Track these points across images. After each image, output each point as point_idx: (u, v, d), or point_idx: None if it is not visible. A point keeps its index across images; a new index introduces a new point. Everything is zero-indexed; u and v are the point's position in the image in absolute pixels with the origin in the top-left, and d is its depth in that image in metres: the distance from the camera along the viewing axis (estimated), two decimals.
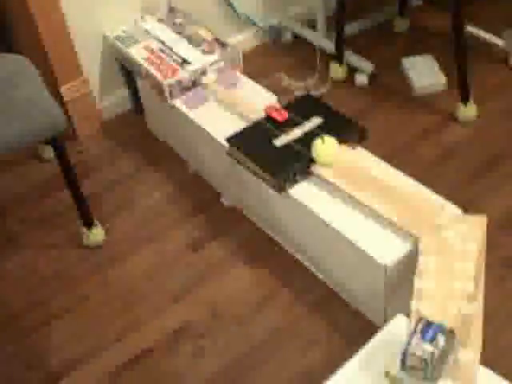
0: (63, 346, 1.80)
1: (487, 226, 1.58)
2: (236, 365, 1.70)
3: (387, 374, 1.31)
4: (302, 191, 1.74)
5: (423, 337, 1.24)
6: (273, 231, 1.97)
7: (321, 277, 1.85)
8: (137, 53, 2.21)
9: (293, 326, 1.77)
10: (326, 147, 1.72)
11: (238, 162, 1.85)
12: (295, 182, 1.75)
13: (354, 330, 1.72)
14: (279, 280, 1.88)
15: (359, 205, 1.67)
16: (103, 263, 2.01)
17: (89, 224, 2.03)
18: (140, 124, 2.45)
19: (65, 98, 2.31)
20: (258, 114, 1.92)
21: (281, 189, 1.73)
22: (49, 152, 2.31)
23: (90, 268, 2.00)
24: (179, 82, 2.07)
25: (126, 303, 1.89)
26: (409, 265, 1.54)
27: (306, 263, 1.88)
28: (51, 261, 2.02)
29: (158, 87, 2.09)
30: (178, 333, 1.79)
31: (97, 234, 2.04)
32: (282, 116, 1.88)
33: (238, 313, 1.82)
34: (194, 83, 2.10)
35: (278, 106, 1.94)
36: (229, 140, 1.86)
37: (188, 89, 2.10)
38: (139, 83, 2.32)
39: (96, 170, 2.31)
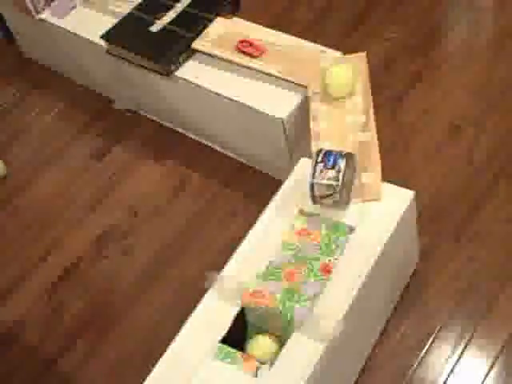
0: None
1: (372, 69, 1.64)
2: (165, 252, 1.74)
3: (301, 211, 1.38)
4: (189, 70, 1.74)
5: (325, 165, 1.30)
6: (172, 122, 1.98)
7: (227, 153, 1.89)
8: None
9: (210, 206, 1.82)
10: (339, 76, 1.54)
11: (120, 57, 1.82)
12: (180, 63, 1.74)
13: (268, 193, 1.76)
14: (188, 167, 1.90)
15: (246, 70, 1.69)
16: (10, 194, 1.96)
17: None
18: (14, 51, 2.34)
19: None
20: (130, 6, 1.88)
21: (167, 72, 1.73)
22: None
23: None
24: None
25: (42, 225, 1.87)
26: (304, 115, 1.60)
27: (210, 144, 1.91)
28: None
29: (20, 3, 2.00)
30: (101, 239, 1.80)
31: None
32: (257, 50, 1.69)
33: (156, 206, 1.85)
34: None
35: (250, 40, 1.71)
36: (104, 37, 1.82)
37: None
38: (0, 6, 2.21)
39: None
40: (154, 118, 2.02)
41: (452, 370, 1.41)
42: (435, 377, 1.40)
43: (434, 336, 1.45)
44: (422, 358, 1.43)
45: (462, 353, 1.43)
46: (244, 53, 1.68)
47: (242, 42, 1.70)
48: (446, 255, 1.57)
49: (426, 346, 1.44)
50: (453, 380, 1.40)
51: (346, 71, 1.55)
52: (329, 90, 1.54)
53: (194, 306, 1.31)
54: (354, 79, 1.55)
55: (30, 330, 1.66)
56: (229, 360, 1.20)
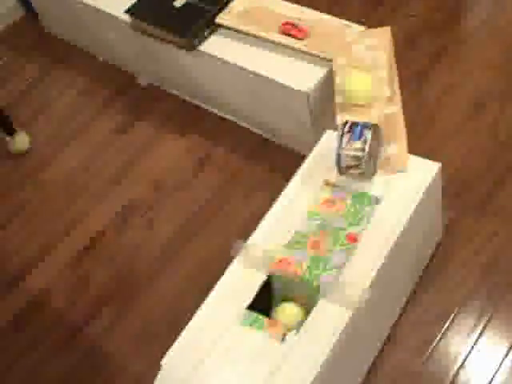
0: (16, 250, 1.81)
1: (397, 44, 1.64)
2: (187, 226, 1.76)
3: (327, 182, 1.39)
4: (213, 45, 1.75)
5: (351, 136, 1.31)
6: (194, 97, 1.99)
7: (250, 128, 1.89)
8: None
9: (232, 180, 1.83)
10: (359, 83, 1.51)
11: (144, 32, 1.83)
12: (204, 38, 1.75)
13: (291, 168, 1.77)
14: (211, 141, 1.92)
15: (270, 45, 1.69)
16: (35, 167, 1.99)
17: (10, 132, 2.00)
18: (37, 28, 2.37)
19: None
20: None
21: (191, 47, 1.73)
22: None
23: (23, 174, 1.98)
24: None
25: (67, 198, 1.90)
26: (327, 89, 1.60)
27: (234, 119, 1.92)
28: None
29: None
30: (124, 212, 1.83)
31: (21, 141, 2.02)
32: (301, 33, 1.68)
33: (179, 180, 1.86)
34: None
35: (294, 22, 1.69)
36: (129, 12, 1.83)
37: None
38: None
39: (3, 82, 2.24)
40: (177, 93, 2.03)
41: (474, 344, 1.42)
42: (458, 351, 1.41)
43: (456, 310, 1.46)
44: (444, 332, 1.44)
45: (483, 328, 1.43)
46: (290, 35, 1.67)
47: (285, 24, 1.68)
48: (470, 229, 1.57)
49: (448, 320, 1.45)
50: (475, 354, 1.40)
51: (364, 79, 1.51)
52: (347, 97, 1.51)
53: (218, 277, 1.33)
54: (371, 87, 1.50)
55: (56, 299, 1.69)
56: (256, 325, 1.22)
